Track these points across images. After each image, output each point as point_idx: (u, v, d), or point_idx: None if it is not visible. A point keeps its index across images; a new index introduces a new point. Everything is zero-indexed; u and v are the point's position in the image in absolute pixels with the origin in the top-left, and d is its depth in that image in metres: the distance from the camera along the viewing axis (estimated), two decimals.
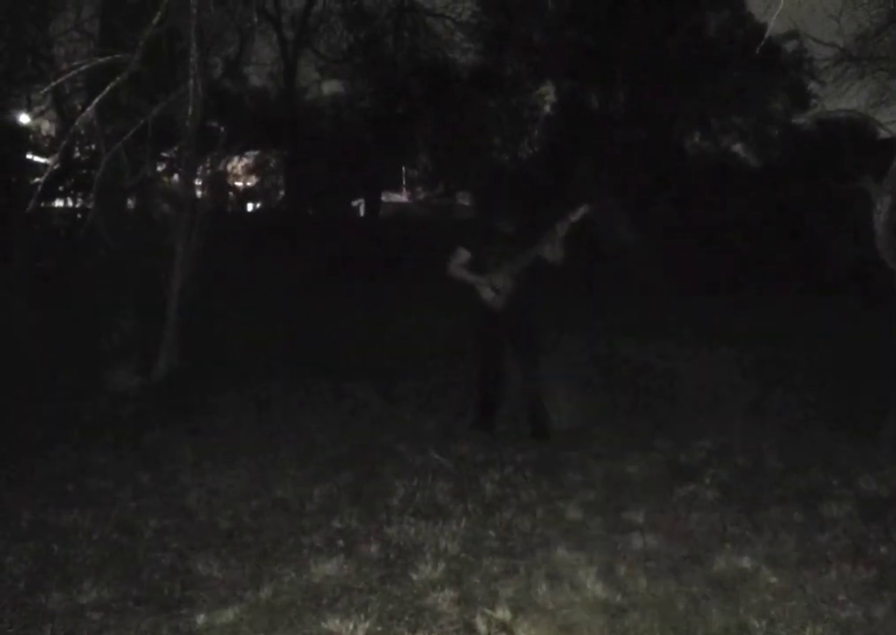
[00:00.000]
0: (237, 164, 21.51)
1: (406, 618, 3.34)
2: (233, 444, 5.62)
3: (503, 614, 3.33)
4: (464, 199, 22.55)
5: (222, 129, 11.70)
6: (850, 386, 7.35)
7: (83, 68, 5.22)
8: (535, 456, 5.44)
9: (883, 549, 3.98)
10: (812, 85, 20.15)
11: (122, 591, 3.54)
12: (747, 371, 7.99)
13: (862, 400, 6.86)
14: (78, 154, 12.85)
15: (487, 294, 5.83)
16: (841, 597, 3.52)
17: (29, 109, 13.18)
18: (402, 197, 25.97)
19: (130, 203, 9.70)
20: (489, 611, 3.36)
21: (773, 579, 3.66)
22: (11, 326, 8.51)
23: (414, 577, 3.65)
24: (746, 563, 3.80)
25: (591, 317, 10.49)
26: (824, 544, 4.05)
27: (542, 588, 3.54)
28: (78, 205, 15.19)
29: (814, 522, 4.33)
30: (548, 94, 21.33)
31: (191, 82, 5.42)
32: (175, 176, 10.37)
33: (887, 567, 3.79)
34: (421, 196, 23.73)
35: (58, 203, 15.29)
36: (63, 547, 3.96)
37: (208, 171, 9.20)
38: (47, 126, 15.61)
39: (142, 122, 5.22)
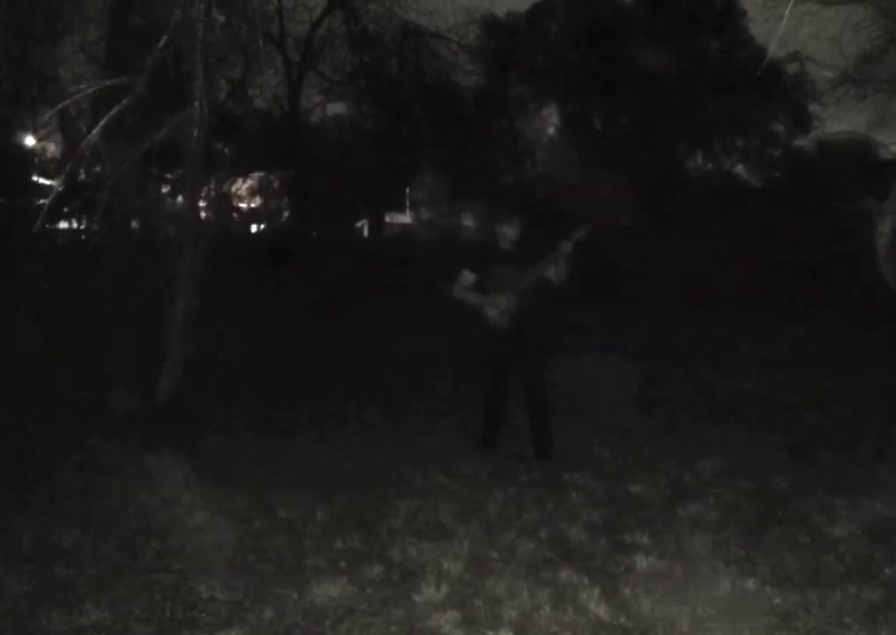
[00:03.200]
0: (241, 185, 21.60)
1: None
2: (235, 465, 5.61)
3: None
4: (468, 220, 22.62)
5: (227, 150, 11.74)
6: (854, 407, 7.34)
7: (89, 90, 5.28)
8: (539, 476, 5.42)
9: (888, 570, 3.96)
10: (813, 107, 20.30)
11: (123, 612, 3.53)
12: (750, 392, 7.98)
13: (866, 421, 6.85)
14: (83, 176, 12.90)
15: (492, 314, 5.83)
16: (847, 619, 3.50)
17: (35, 131, 13.26)
18: (406, 218, 26.05)
19: (135, 224, 9.73)
20: (492, 633, 3.35)
21: (778, 601, 3.64)
22: (14, 347, 8.52)
23: (417, 598, 3.64)
24: (751, 584, 3.78)
25: (593, 336, 10.48)
26: (829, 565, 4.03)
27: (546, 610, 3.53)
28: (83, 227, 15.25)
29: (819, 543, 4.31)
30: (551, 116, 21.48)
31: (196, 104, 5.47)
32: (180, 198, 10.40)
33: (893, 588, 3.77)
34: (425, 217, 23.82)
35: (63, 224, 15.35)
36: (65, 567, 3.96)
37: (212, 192, 9.23)
38: (52, 148, 15.70)
39: (147, 144, 5.27)
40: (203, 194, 8.57)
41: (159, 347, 7.30)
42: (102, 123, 4.95)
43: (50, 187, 12.13)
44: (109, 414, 6.82)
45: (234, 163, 12.00)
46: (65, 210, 13.77)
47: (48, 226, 12.33)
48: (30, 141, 13.41)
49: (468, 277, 5.92)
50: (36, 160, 14.28)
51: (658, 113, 18.99)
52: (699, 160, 21.74)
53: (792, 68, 20.01)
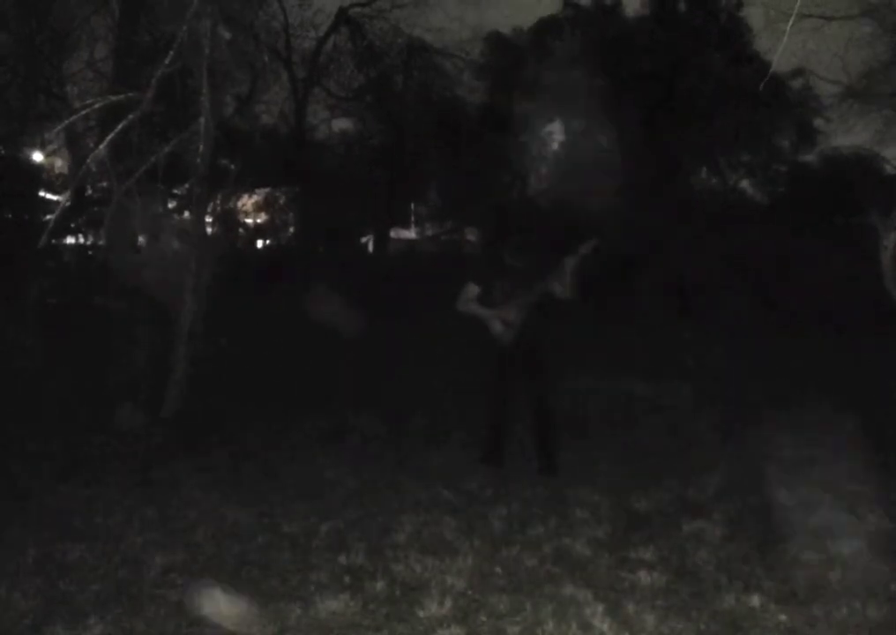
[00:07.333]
0: (247, 201, 21.69)
1: None
2: (240, 480, 5.61)
3: None
4: (472, 235, 22.65)
5: (233, 166, 11.80)
6: (858, 421, 7.31)
7: (96, 106, 5.31)
8: (543, 492, 5.41)
9: (894, 586, 3.94)
10: (818, 122, 20.33)
11: (127, 627, 3.52)
12: (753, 407, 7.95)
13: (871, 436, 6.82)
14: (90, 192, 12.98)
15: (496, 328, 5.83)
16: None
17: (42, 147, 13.36)
18: (411, 234, 26.11)
19: (141, 240, 9.78)
20: None
21: (783, 617, 3.63)
22: (21, 362, 8.55)
23: (421, 614, 3.63)
24: (755, 600, 3.77)
25: (598, 352, 10.47)
26: (834, 581, 4.01)
27: (549, 626, 3.52)
28: (89, 242, 15.33)
29: (823, 559, 4.29)
30: (555, 132, 21.52)
31: (203, 120, 5.51)
32: (186, 213, 10.45)
33: None
34: (430, 232, 23.87)
35: (70, 240, 15.43)
36: (69, 582, 3.95)
37: (219, 208, 9.26)
38: (59, 164, 15.82)
39: (153, 159, 5.30)
40: (209, 210, 8.61)
41: (164, 362, 7.32)
42: (109, 138, 4.98)
43: (57, 202, 12.21)
44: (115, 428, 6.82)
45: (240, 179, 12.05)
46: (72, 225, 13.84)
47: (54, 241, 12.40)
48: (37, 157, 13.52)
49: (473, 290, 5.94)
50: (43, 175, 14.36)
51: (663, 128, 19.02)
52: (704, 175, 21.76)
53: (796, 83, 20.08)
